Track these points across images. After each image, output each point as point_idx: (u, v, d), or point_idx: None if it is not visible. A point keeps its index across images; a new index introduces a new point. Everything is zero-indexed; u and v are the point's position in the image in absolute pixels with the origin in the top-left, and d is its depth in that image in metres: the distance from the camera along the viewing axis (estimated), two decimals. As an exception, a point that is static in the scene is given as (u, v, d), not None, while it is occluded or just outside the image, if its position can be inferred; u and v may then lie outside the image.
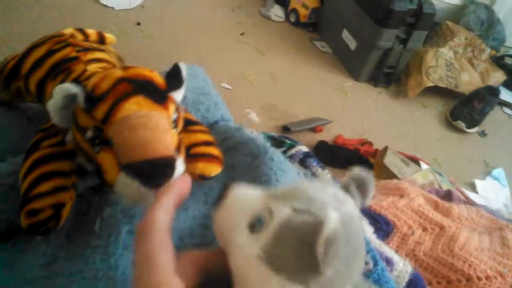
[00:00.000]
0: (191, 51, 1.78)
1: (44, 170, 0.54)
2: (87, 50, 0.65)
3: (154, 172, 0.46)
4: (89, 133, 0.49)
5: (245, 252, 0.34)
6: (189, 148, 0.59)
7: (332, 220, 0.31)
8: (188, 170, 0.57)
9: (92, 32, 0.77)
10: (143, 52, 1.67)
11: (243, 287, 0.34)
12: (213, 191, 0.65)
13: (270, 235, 0.34)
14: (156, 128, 0.47)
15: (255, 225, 0.35)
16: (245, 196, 0.39)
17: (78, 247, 0.55)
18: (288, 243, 0.33)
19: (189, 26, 1.96)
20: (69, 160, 0.57)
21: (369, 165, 1.45)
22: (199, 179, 0.60)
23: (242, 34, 2.00)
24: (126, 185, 0.47)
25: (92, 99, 0.48)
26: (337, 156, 1.46)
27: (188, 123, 0.62)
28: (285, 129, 1.51)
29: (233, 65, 1.77)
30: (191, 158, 0.58)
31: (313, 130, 1.56)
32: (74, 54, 0.63)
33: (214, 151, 0.62)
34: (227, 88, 1.63)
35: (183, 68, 0.54)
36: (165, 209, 0.36)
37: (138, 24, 1.85)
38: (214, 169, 0.60)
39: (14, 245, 0.60)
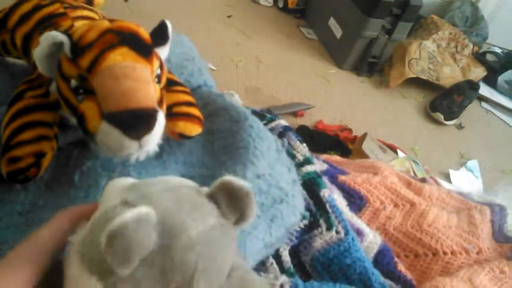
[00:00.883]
0: (178, 30, 1.77)
1: (27, 119, 0.55)
2: (75, 7, 0.66)
3: (136, 122, 0.47)
4: (73, 82, 0.50)
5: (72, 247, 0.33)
6: (170, 107, 0.60)
7: (126, 216, 0.27)
8: (168, 129, 0.58)
9: (80, -8, 0.77)
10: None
11: (66, 284, 0.32)
12: (192, 154, 0.66)
13: (86, 230, 0.32)
14: (139, 79, 0.48)
15: None
16: (114, 184, 0.37)
17: (57, 197, 0.56)
18: (95, 240, 0.30)
19: (177, 5, 1.95)
20: (52, 111, 0.58)
21: (347, 151, 1.48)
22: (179, 137, 0.61)
23: (229, 16, 2.00)
24: (107, 134, 0.48)
25: (78, 48, 0.49)
26: (317, 140, 1.48)
27: (171, 83, 0.64)
28: (267, 112, 1.53)
29: (219, 46, 1.78)
30: (172, 116, 0.59)
31: (295, 114, 1.58)
32: (61, 10, 0.64)
33: (195, 111, 0.63)
34: (212, 69, 1.64)
35: (169, 25, 0.55)
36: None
37: (126, 0, 1.84)
38: (194, 129, 0.62)
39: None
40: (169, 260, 0.29)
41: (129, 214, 0.27)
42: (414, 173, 1.41)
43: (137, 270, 0.28)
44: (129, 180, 0.37)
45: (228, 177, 0.33)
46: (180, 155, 0.64)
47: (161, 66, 0.54)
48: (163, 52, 0.56)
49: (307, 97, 1.68)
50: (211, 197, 0.33)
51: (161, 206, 0.30)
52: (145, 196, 0.32)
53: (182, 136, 0.61)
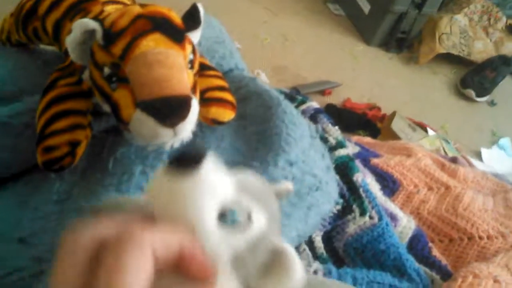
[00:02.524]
0: (204, 9, 1.76)
1: (61, 108, 0.55)
2: (103, -9, 0.65)
3: (170, 110, 0.46)
4: (107, 70, 0.49)
5: (213, 243, 0.30)
6: (203, 92, 0.59)
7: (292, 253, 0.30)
8: (201, 114, 0.58)
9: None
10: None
11: None
12: (224, 139, 0.66)
13: (245, 243, 0.30)
14: (173, 66, 0.47)
15: (227, 217, 0.30)
16: (217, 176, 0.33)
17: (91, 185, 0.57)
18: (257, 256, 0.30)
19: (201, -17, 1.93)
20: (85, 99, 0.57)
21: (376, 130, 1.45)
22: (211, 123, 0.61)
23: (254, -7, 1.97)
24: (141, 122, 0.47)
25: (110, 35, 0.48)
26: (345, 120, 1.46)
27: (203, 67, 0.63)
28: (295, 91, 1.51)
29: (245, 24, 1.75)
30: (204, 102, 0.59)
31: (322, 93, 1.56)
32: None
33: (228, 96, 0.62)
34: (238, 48, 1.62)
35: (201, 9, 0.54)
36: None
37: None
38: (227, 114, 0.61)
39: (28, 183, 0.61)
40: None
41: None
42: (445, 151, 1.38)
43: None
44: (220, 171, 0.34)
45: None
46: (213, 140, 0.64)
47: (193, 51, 0.53)
48: (195, 36, 0.54)
49: (334, 75, 1.65)
50: None
51: None
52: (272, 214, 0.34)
53: (215, 121, 0.61)
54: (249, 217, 0.31)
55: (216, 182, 0.32)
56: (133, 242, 0.25)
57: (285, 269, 0.29)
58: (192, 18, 0.54)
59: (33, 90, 0.64)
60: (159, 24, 0.49)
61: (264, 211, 0.33)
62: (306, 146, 0.64)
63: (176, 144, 0.52)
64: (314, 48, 1.77)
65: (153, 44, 0.48)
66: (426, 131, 1.49)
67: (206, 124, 0.62)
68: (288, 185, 0.40)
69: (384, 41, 1.87)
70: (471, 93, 1.74)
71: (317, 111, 0.84)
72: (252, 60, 1.59)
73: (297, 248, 0.65)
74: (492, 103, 1.78)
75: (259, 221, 0.31)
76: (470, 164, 1.33)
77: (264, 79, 1.53)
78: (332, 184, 0.67)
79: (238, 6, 1.85)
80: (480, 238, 0.77)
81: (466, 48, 1.84)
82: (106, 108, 0.53)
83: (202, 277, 0.28)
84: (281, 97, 0.69)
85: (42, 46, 0.78)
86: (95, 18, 0.51)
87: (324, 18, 1.97)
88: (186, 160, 0.30)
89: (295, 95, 0.89)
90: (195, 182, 0.30)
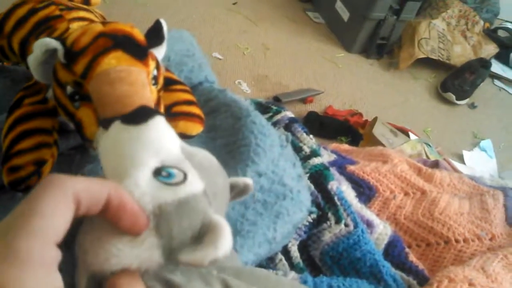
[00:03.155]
0: (183, 20, 1.76)
1: (26, 127, 0.55)
2: (70, 9, 0.65)
3: None
4: (69, 89, 0.49)
5: (139, 192, 0.30)
6: (170, 106, 0.59)
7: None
8: None
9: (77, -7, 0.76)
10: (135, 21, 1.65)
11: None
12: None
13: (172, 200, 0.30)
14: (135, 83, 0.47)
15: (161, 174, 0.31)
16: (164, 133, 0.34)
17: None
18: (185, 221, 0.30)
19: (182, -6, 1.94)
20: (51, 117, 0.57)
21: (358, 136, 1.46)
22: (180, 138, 0.61)
23: (234, 3, 1.98)
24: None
25: (72, 54, 0.48)
26: (327, 126, 1.46)
27: (170, 82, 0.63)
28: (276, 99, 1.51)
29: (225, 34, 1.76)
30: (172, 116, 0.59)
31: (304, 101, 1.56)
32: (57, 12, 0.63)
33: (196, 110, 0.62)
34: (218, 58, 1.63)
35: (164, 25, 0.54)
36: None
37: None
38: (195, 128, 0.61)
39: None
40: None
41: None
42: (427, 155, 1.39)
43: None
44: (169, 131, 0.36)
45: None
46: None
47: (157, 67, 0.53)
48: (159, 52, 0.55)
49: (315, 83, 1.66)
50: None
51: None
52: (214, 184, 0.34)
53: (183, 136, 0.60)
54: (184, 178, 0.31)
55: (160, 139, 0.33)
56: (53, 186, 0.25)
57: (214, 240, 0.28)
58: (155, 34, 0.54)
59: (1, 109, 0.64)
60: (121, 41, 0.49)
61: (205, 182, 0.32)
62: (275, 156, 0.64)
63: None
64: (295, 56, 1.77)
65: (115, 61, 0.48)
66: (408, 135, 1.49)
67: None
68: (246, 180, 0.40)
69: (364, 48, 1.89)
70: (452, 96, 1.75)
71: (291, 121, 0.84)
72: (233, 70, 1.60)
73: (273, 259, 0.65)
74: (472, 106, 1.80)
75: (194, 185, 0.31)
76: (452, 167, 1.34)
77: (245, 88, 1.53)
78: (304, 193, 0.67)
79: (217, 16, 1.86)
80: (457, 241, 0.77)
81: (445, 53, 1.86)
82: (72, 126, 0.53)
83: (129, 227, 0.28)
84: (251, 107, 0.70)
85: (10, 65, 0.78)
86: (58, 37, 0.51)
87: (304, 26, 1.98)
88: (137, 116, 0.32)
89: (270, 105, 0.89)
90: (139, 134, 0.31)
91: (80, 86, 0.48)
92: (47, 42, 0.48)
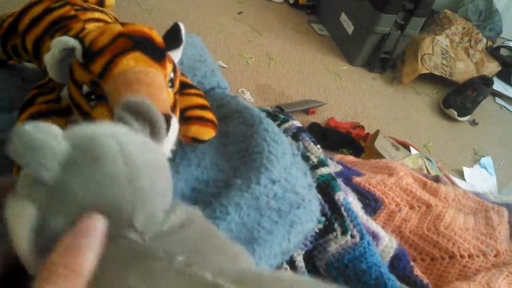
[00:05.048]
0: (188, 28, 1.75)
1: None
2: (85, 9, 0.65)
3: None
4: (85, 88, 0.49)
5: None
6: (183, 110, 0.59)
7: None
8: (181, 132, 0.57)
9: (91, -5, 0.76)
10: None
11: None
12: (205, 156, 0.65)
13: None
14: (153, 85, 0.47)
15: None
16: None
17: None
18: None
19: (188, 2, 1.94)
20: (64, 117, 0.57)
21: (360, 148, 1.46)
22: (192, 142, 0.60)
23: (240, 13, 1.99)
24: None
25: (90, 53, 0.48)
26: (329, 138, 1.47)
27: (184, 86, 0.63)
28: (279, 109, 1.52)
29: (230, 43, 1.77)
30: (185, 120, 0.58)
31: (306, 112, 1.57)
32: (72, 12, 0.63)
33: (209, 115, 0.62)
34: (223, 67, 1.63)
35: (182, 28, 0.54)
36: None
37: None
38: (208, 133, 0.61)
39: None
40: (90, 154, 0.29)
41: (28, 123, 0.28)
42: (428, 170, 1.39)
43: (61, 177, 0.28)
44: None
45: (127, 97, 0.34)
46: (193, 158, 0.63)
47: (174, 70, 0.53)
48: (176, 55, 0.55)
49: (318, 94, 1.66)
50: (120, 121, 0.34)
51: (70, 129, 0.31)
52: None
53: (196, 140, 0.60)
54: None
55: None
56: None
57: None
58: (173, 37, 0.54)
59: (12, 107, 0.63)
60: (140, 42, 0.49)
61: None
62: (288, 164, 0.64)
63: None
64: (298, 67, 1.78)
65: (133, 62, 0.48)
66: (409, 150, 1.50)
67: (187, 142, 0.61)
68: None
69: (367, 61, 1.89)
70: (453, 112, 1.76)
71: (299, 130, 0.84)
72: (237, 79, 1.60)
73: (278, 268, 0.65)
74: (473, 123, 1.81)
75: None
76: (452, 183, 1.34)
77: (248, 97, 1.53)
78: (314, 202, 0.67)
79: (223, 25, 1.87)
80: (462, 256, 0.77)
81: (448, 69, 1.87)
82: None
83: None
84: (263, 115, 0.70)
85: (21, 63, 0.77)
86: (75, 36, 0.50)
87: (308, 38, 1.99)
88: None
89: (278, 114, 0.89)
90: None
91: (97, 86, 0.48)
92: (66, 40, 0.48)
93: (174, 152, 0.53)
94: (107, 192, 0.29)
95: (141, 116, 0.34)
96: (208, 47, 1.64)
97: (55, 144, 0.28)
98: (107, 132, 0.30)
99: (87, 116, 0.50)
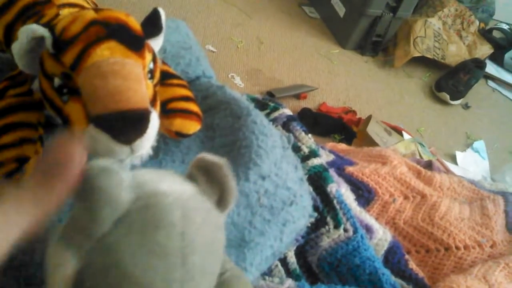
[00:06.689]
0: (176, 11, 1.71)
1: (9, 121, 0.51)
2: (61, -7, 0.60)
3: (125, 125, 0.42)
4: (57, 81, 0.45)
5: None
6: (166, 102, 0.56)
7: (92, 163, 0.28)
8: (164, 126, 0.54)
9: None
10: (126, 10, 1.60)
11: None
12: (190, 152, 0.62)
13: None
14: (130, 77, 0.43)
15: None
16: None
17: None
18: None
19: (174, -16, 1.88)
20: (37, 111, 0.53)
21: (351, 134, 1.44)
22: (175, 136, 0.57)
23: (228, -5, 1.94)
24: (95, 139, 0.43)
25: (61, 43, 0.44)
26: (320, 123, 1.43)
27: (166, 76, 0.59)
28: (269, 94, 1.48)
29: (219, 27, 1.72)
30: (168, 113, 0.55)
31: (298, 96, 1.53)
32: None
33: (193, 107, 0.58)
34: (212, 51, 1.58)
35: (162, 14, 0.51)
36: None
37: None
38: (192, 126, 0.57)
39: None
40: (150, 217, 0.27)
41: (96, 162, 0.27)
42: (420, 155, 1.37)
43: (113, 232, 0.26)
44: None
45: (202, 154, 0.33)
46: (177, 153, 0.60)
47: (154, 60, 0.49)
48: (156, 43, 0.51)
49: (310, 78, 1.63)
50: (190, 178, 0.33)
51: (138, 176, 0.30)
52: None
53: (179, 134, 0.57)
54: None
55: None
56: None
57: None
58: (152, 24, 0.50)
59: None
60: (115, 30, 0.45)
61: None
62: (278, 158, 0.61)
63: (135, 161, 0.49)
64: (289, 51, 1.74)
65: (108, 53, 0.44)
66: (401, 134, 1.47)
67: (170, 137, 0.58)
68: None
69: (359, 44, 1.86)
70: (446, 96, 1.74)
71: (289, 119, 0.81)
72: (227, 63, 1.56)
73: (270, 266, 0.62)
74: (466, 106, 1.78)
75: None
76: (445, 168, 1.32)
77: (238, 83, 1.50)
78: (306, 197, 0.64)
79: (212, 8, 1.81)
80: (457, 248, 0.75)
81: (440, 52, 1.84)
82: (59, 120, 0.49)
83: None
84: (251, 106, 0.66)
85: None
86: (46, 24, 0.47)
87: (299, 21, 1.95)
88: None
89: (268, 102, 0.86)
90: None
91: (69, 79, 0.44)
92: (34, 29, 0.44)
93: (156, 148, 0.49)
94: (155, 263, 0.26)
95: (213, 178, 0.32)
96: (196, 31, 1.59)
97: (117, 197, 0.26)
98: (173, 195, 0.28)
99: (59, 111, 0.47)
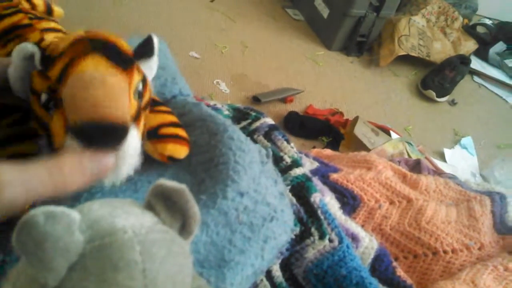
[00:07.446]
0: (159, 19, 1.71)
1: (6, 154, 0.50)
2: (40, 18, 0.60)
3: (100, 135, 0.40)
4: (44, 96, 0.44)
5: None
6: (157, 128, 0.55)
7: (37, 210, 0.25)
8: (157, 151, 0.54)
9: (39, 2, 0.70)
10: (110, 19, 1.60)
11: None
12: (167, 170, 0.61)
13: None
14: (111, 88, 0.42)
15: None
16: None
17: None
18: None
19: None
20: (33, 139, 0.52)
21: (339, 136, 1.43)
22: (167, 160, 0.57)
23: (212, 0, 1.93)
24: (70, 150, 0.42)
25: (49, 59, 0.44)
26: (307, 126, 1.43)
27: (154, 103, 0.59)
28: (255, 99, 1.48)
29: (203, 33, 1.71)
30: (160, 138, 0.55)
31: (284, 100, 1.53)
32: (26, 21, 0.58)
33: (182, 132, 0.59)
34: (196, 57, 1.58)
35: (156, 41, 0.50)
36: None
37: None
38: (183, 151, 0.57)
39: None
40: (107, 259, 0.25)
41: (41, 209, 0.24)
42: (408, 154, 1.37)
43: (68, 278, 0.25)
44: None
45: (161, 181, 0.31)
46: (153, 174, 0.58)
47: (144, 83, 0.49)
48: (147, 66, 0.50)
49: (296, 81, 1.63)
50: (149, 207, 0.31)
51: (90, 213, 0.27)
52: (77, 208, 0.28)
53: (171, 158, 0.57)
54: None
55: None
56: None
57: None
58: (143, 46, 0.50)
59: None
60: (101, 46, 0.44)
61: None
62: (256, 173, 0.60)
63: (116, 180, 0.48)
64: (274, 54, 1.74)
65: (92, 65, 0.43)
66: (389, 134, 1.47)
67: (146, 155, 0.57)
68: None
69: (344, 45, 1.86)
70: (432, 93, 1.74)
71: (271, 128, 0.80)
72: (211, 69, 1.55)
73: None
74: (452, 103, 1.79)
75: None
76: (434, 166, 1.32)
77: (224, 88, 1.49)
78: (287, 212, 0.63)
79: (195, 13, 1.81)
80: (445, 252, 0.75)
81: (425, 49, 1.84)
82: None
83: None
84: (228, 121, 0.65)
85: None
86: (34, 43, 0.46)
87: (283, 23, 1.94)
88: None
89: (249, 111, 0.85)
90: None
91: (55, 92, 0.43)
92: (24, 47, 0.44)
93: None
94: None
95: (174, 205, 0.30)
96: (180, 38, 1.59)
97: (70, 242, 0.25)
98: (131, 230, 0.26)
99: (47, 128, 0.46)
